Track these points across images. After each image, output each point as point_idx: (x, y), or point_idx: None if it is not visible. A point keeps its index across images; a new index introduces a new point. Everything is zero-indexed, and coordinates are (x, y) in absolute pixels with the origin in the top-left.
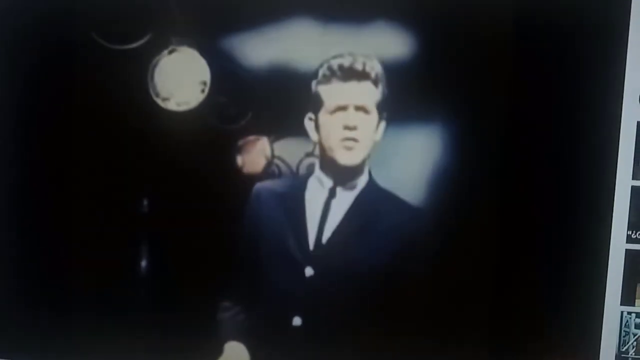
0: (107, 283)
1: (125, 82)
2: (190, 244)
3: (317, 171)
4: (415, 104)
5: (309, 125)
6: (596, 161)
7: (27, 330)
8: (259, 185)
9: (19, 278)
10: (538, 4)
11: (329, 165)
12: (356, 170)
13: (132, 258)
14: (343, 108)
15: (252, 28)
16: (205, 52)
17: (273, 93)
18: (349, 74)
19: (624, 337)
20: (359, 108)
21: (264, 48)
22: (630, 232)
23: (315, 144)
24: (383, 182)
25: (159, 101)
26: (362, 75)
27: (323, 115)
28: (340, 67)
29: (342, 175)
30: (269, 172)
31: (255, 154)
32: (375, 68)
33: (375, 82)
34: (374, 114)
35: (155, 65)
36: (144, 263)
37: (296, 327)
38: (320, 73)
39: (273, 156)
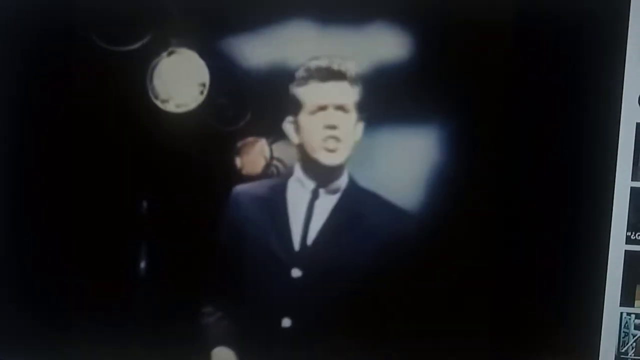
0: (97, 287)
1: (124, 84)
2: (183, 248)
3: (298, 173)
4: (413, 105)
5: (289, 128)
6: (595, 162)
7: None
8: (237, 189)
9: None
10: (537, 4)
11: (311, 166)
12: (338, 170)
13: (129, 260)
14: (323, 108)
15: (250, 30)
16: (205, 54)
17: (272, 94)
18: (327, 74)
19: (623, 338)
20: (338, 107)
21: (263, 49)
22: (629, 233)
23: (296, 146)
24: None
25: (158, 103)
26: (339, 76)
27: (303, 117)
28: (318, 68)
29: (325, 176)
30: (268, 173)
31: (254, 156)
32: (352, 69)
33: (353, 82)
34: (353, 114)
35: (154, 67)
36: (141, 265)
37: (285, 329)
38: (298, 75)
39: (272, 157)
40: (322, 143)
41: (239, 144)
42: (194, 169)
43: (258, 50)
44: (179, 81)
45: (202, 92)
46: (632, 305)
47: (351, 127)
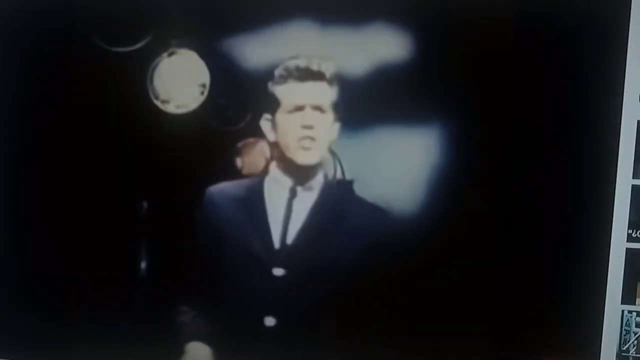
0: (92, 287)
1: (125, 85)
2: (174, 249)
3: (274, 171)
4: (413, 105)
5: (265, 125)
6: (597, 160)
7: None
8: (211, 189)
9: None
10: (538, 5)
11: (288, 165)
12: (314, 169)
13: (129, 260)
14: (300, 108)
15: (251, 30)
16: (205, 55)
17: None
18: (306, 74)
19: (624, 335)
20: (315, 108)
21: (263, 50)
22: (630, 231)
23: (272, 144)
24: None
25: (158, 103)
26: (317, 76)
27: (280, 115)
28: (297, 67)
29: (301, 175)
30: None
31: (255, 156)
32: (330, 69)
33: (330, 83)
34: (330, 114)
35: (154, 68)
36: (137, 265)
37: (269, 327)
38: (276, 74)
39: (272, 158)
40: (297, 142)
41: (240, 144)
42: (195, 170)
43: (258, 50)
44: (180, 82)
45: (202, 93)
46: (634, 303)
47: (327, 127)
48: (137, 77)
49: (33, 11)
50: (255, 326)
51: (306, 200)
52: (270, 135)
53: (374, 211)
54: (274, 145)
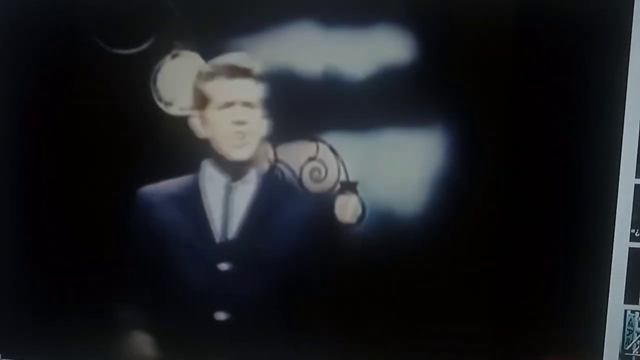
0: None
1: (128, 87)
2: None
3: (208, 168)
4: (416, 109)
5: (195, 122)
6: (599, 160)
7: None
8: (145, 190)
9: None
10: (540, 6)
11: (221, 161)
12: (247, 164)
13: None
14: (230, 104)
15: (254, 32)
16: (208, 56)
17: (276, 97)
18: (234, 71)
19: (627, 335)
20: (246, 104)
21: (267, 52)
22: (633, 231)
23: (206, 140)
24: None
25: (161, 106)
26: (245, 73)
27: (210, 112)
28: (225, 65)
29: (235, 170)
30: (272, 176)
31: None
32: (257, 66)
33: (258, 80)
34: (259, 110)
35: (158, 70)
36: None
37: (220, 322)
38: (204, 71)
39: (276, 160)
40: (230, 138)
41: None
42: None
43: (261, 52)
44: (183, 84)
45: None
46: (637, 303)
47: (258, 123)
48: (140, 79)
49: (36, 14)
50: (206, 322)
51: (244, 194)
52: (201, 132)
53: (311, 200)
54: (206, 142)
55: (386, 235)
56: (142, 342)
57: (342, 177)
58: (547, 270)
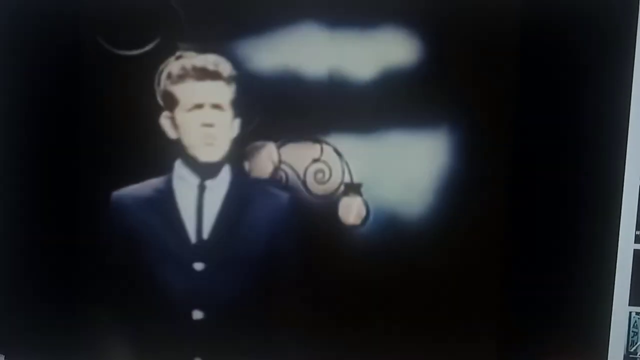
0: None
1: (132, 88)
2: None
3: (180, 169)
4: (420, 110)
5: (165, 123)
6: (604, 161)
7: None
8: (118, 194)
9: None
10: (546, 6)
11: (192, 162)
12: (218, 166)
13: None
14: (199, 106)
15: (258, 33)
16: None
17: (280, 98)
18: (203, 73)
19: (632, 337)
20: (215, 106)
21: (271, 53)
22: (638, 232)
23: (176, 140)
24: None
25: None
26: (215, 75)
27: (180, 114)
28: (194, 67)
29: (206, 171)
30: (276, 177)
31: (263, 159)
32: (227, 69)
33: (228, 82)
34: (229, 112)
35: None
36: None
37: (198, 320)
38: (174, 73)
39: (280, 161)
40: (199, 140)
41: (248, 147)
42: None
43: (266, 53)
44: None
45: None
46: None
47: (227, 124)
48: (144, 81)
49: (41, 16)
50: (183, 321)
51: (217, 194)
52: (172, 133)
53: (284, 199)
54: (177, 143)
55: (390, 237)
56: (121, 343)
57: (347, 179)
58: (552, 272)
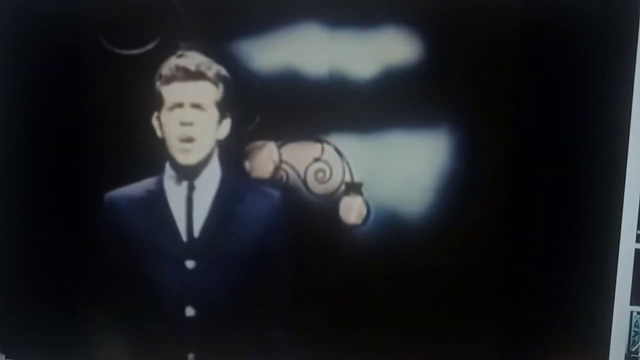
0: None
1: (133, 87)
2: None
3: (169, 169)
4: (421, 110)
5: (156, 124)
6: (605, 161)
7: None
8: (111, 195)
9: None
10: (547, 7)
11: (174, 162)
12: (199, 166)
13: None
14: (179, 105)
15: (259, 33)
16: (213, 57)
17: (280, 98)
18: (186, 74)
19: (633, 337)
20: (194, 105)
21: (272, 53)
22: (639, 232)
23: (161, 140)
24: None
25: None
26: (198, 76)
27: (163, 113)
28: (177, 67)
29: (189, 171)
30: (277, 177)
31: (263, 159)
32: (213, 69)
33: (215, 83)
34: (213, 112)
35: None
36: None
37: (190, 317)
38: (163, 74)
39: (280, 161)
40: (177, 139)
41: (248, 147)
42: None
43: (266, 53)
44: None
45: None
46: None
47: (210, 125)
48: (145, 80)
49: (41, 16)
50: (177, 318)
51: (207, 193)
52: (160, 133)
53: (276, 197)
54: (163, 143)
55: (391, 236)
56: (115, 340)
57: (347, 178)
58: (553, 272)
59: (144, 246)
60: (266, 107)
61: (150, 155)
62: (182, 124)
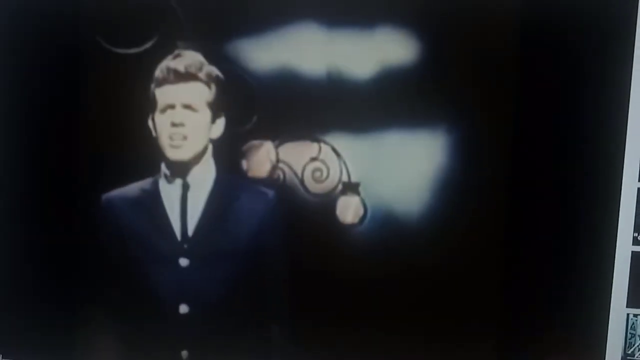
0: None
1: (130, 86)
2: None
3: (164, 168)
4: (418, 110)
5: (151, 125)
6: (602, 163)
7: None
8: (108, 196)
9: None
10: (546, 7)
11: (167, 161)
12: (192, 161)
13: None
14: (171, 106)
15: (257, 33)
16: (211, 57)
17: (278, 97)
18: (176, 76)
19: (629, 339)
20: (186, 106)
21: (269, 52)
22: (636, 234)
23: (156, 141)
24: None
25: None
26: (188, 77)
27: (156, 115)
28: (167, 69)
29: (180, 167)
30: (273, 176)
31: (260, 158)
32: (205, 70)
33: (207, 83)
34: (205, 112)
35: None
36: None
37: (184, 314)
38: (156, 76)
39: (278, 160)
40: (168, 140)
41: (245, 147)
42: None
43: (263, 52)
44: None
45: None
46: (639, 307)
47: (202, 125)
48: (142, 79)
49: (39, 14)
50: (171, 315)
51: (201, 192)
52: (154, 133)
53: (270, 196)
54: (157, 143)
55: (388, 236)
56: (111, 337)
57: (344, 178)
58: (550, 273)
59: (139, 245)
60: (264, 107)
61: (147, 155)
62: (174, 124)
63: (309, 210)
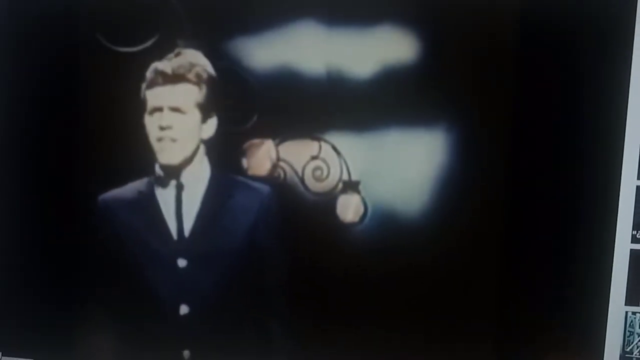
0: None
1: (131, 85)
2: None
3: (158, 170)
4: (418, 108)
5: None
6: (601, 161)
7: None
8: (104, 197)
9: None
10: (545, 7)
11: (159, 162)
12: (183, 163)
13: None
14: (159, 109)
15: (257, 31)
16: (211, 55)
17: (278, 96)
18: (164, 78)
19: (628, 337)
20: (173, 109)
21: (270, 51)
22: (635, 232)
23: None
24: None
25: None
26: (176, 79)
27: (146, 117)
28: (156, 71)
29: (172, 169)
30: (274, 175)
31: (261, 157)
32: (194, 71)
33: (198, 84)
34: (194, 114)
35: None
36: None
37: (185, 315)
38: (147, 77)
39: (278, 159)
40: (157, 142)
41: (245, 145)
42: None
43: (264, 51)
44: None
45: None
46: (637, 305)
47: (191, 126)
48: (143, 77)
49: (39, 13)
50: (171, 316)
51: (195, 192)
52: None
53: (265, 192)
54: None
55: (388, 234)
56: (111, 338)
57: (345, 176)
58: (549, 272)
59: (137, 246)
60: (264, 105)
61: (143, 156)
62: (161, 128)
63: (309, 209)
